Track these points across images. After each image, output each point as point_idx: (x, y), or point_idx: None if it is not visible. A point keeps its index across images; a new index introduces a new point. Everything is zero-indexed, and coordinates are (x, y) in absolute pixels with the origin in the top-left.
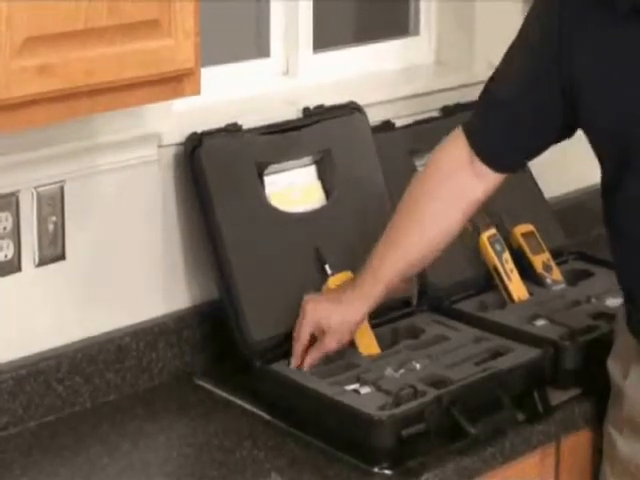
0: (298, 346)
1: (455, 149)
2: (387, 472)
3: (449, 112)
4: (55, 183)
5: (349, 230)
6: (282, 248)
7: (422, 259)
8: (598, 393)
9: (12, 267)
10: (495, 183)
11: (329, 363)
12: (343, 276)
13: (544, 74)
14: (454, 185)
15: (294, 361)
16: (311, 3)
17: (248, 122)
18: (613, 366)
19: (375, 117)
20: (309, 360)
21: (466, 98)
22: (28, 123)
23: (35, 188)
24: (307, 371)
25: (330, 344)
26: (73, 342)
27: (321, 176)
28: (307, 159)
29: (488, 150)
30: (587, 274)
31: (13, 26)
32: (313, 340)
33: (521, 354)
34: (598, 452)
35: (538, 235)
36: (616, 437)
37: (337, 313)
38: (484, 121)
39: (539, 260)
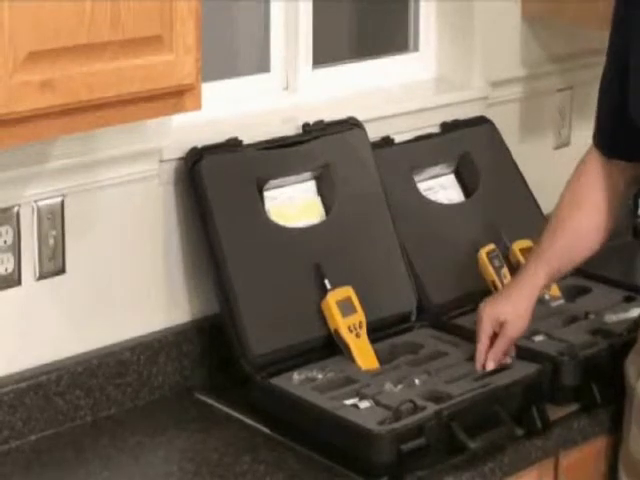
0: (481, 346)
1: (588, 156)
2: None
3: (448, 128)
4: (55, 197)
5: (348, 245)
6: (282, 263)
7: (585, 245)
8: (597, 408)
9: (12, 281)
10: (631, 172)
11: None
12: (342, 291)
13: (614, 56)
14: (600, 188)
15: (477, 363)
16: (311, 19)
17: (248, 137)
18: (629, 367)
19: (375, 133)
20: (492, 355)
21: (465, 114)
22: (29, 138)
23: (35, 202)
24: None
25: (511, 332)
26: (73, 356)
27: (321, 191)
28: (307, 174)
29: (604, 140)
30: (585, 290)
31: (15, 41)
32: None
33: (520, 370)
34: (597, 466)
35: None
36: (627, 436)
37: (509, 305)
38: (597, 119)
39: None
